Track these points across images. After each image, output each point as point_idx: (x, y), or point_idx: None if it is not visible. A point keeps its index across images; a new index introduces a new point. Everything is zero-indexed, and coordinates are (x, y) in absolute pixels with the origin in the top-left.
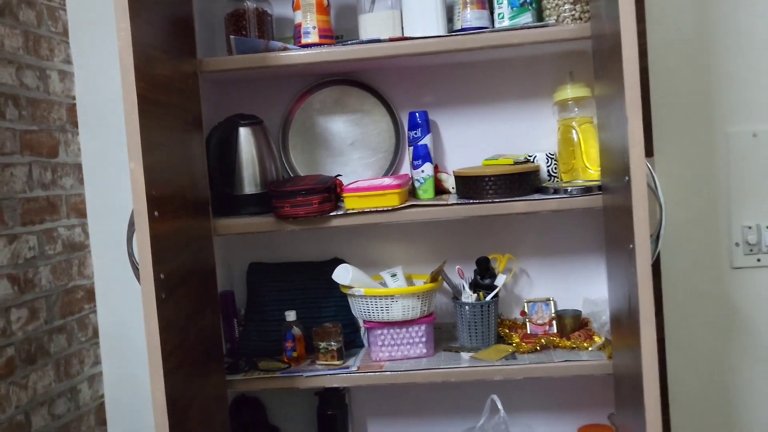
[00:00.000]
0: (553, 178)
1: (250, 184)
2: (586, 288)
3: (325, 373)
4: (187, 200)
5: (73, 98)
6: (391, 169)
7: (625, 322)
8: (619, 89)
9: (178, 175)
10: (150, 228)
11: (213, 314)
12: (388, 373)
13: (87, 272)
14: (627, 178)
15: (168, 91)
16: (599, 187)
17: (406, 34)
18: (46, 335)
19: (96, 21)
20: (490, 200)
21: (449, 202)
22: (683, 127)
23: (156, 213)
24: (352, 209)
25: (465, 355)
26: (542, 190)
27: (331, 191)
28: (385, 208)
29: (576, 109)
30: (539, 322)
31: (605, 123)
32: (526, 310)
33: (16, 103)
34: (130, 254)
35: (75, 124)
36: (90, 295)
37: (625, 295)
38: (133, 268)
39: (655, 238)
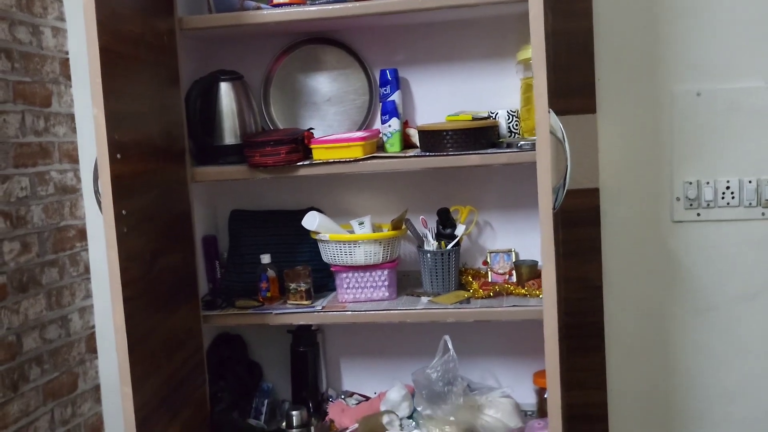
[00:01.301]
0: (513, 134)
1: (229, 136)
2: None
3: (293, 311)
4: (158, 146)
5: (66, 53)
6: (365, 123)
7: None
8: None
9: (147, 123)
10: (111, 168)
11: (186, 253)
12: (350, 312)
13: (79, 213)
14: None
15: (137, 45)
16: None
17: None
18: (38, 267)
19: None
20: (444, 153)
21: (408, 155)
22: (628, 86)
23: (118, 155)
24: (319, 160)
25: (424, 299)
26: (498, 146)
27: (299, 143)
28: (349, 159)
29: None
30: (500, 271)
31: None
32: (488, 260)
33: (9, 56)
34: (96, 192)
35: (68, 77)
36: (82, 234)
37: None
38: (98, 204)
39: (562, 186)
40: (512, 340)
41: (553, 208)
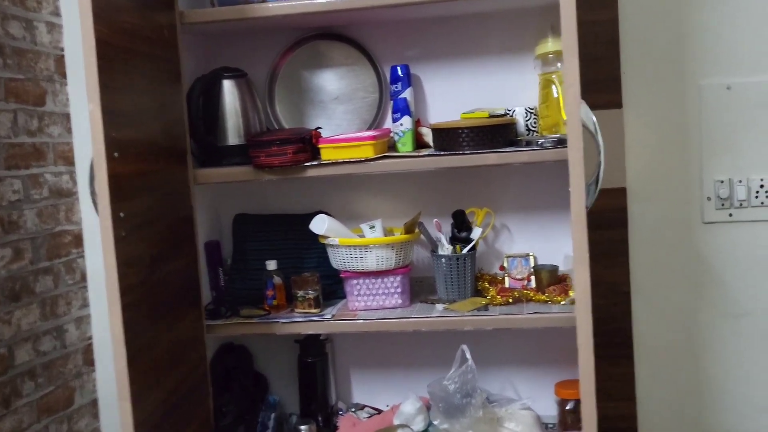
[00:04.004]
0: (531, 132)
1: (233, 136)
2: (567, 244)
3: (301, 320)
4: (159, 146)
5: (62, 50)
6: (375, 122)
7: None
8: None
9: (147, 121)
10: (108, 167)
11: (188, 259)
12: (360, 321)
13: (75, 218)
14: (564, 120)
15: (135, 39)
16: None
17: None
18: (32, 275)
19: None
20: (461, 152)
21: (422, 154)
22: (655, 79)
23: (116, 154)
24: (327, 160)
25: (439, 307)
26: (517, 143)
27: (306, 142)
28: (359, 159)
29: (558, 63)
30: (518, 276)
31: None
32: (505, 264)
33: (1, 52)
34: (92, 193)
35: (63, 75)
36: (78, 240)
37: None
38: (95, 206)
39: (594, 183)
40: (532, 349)
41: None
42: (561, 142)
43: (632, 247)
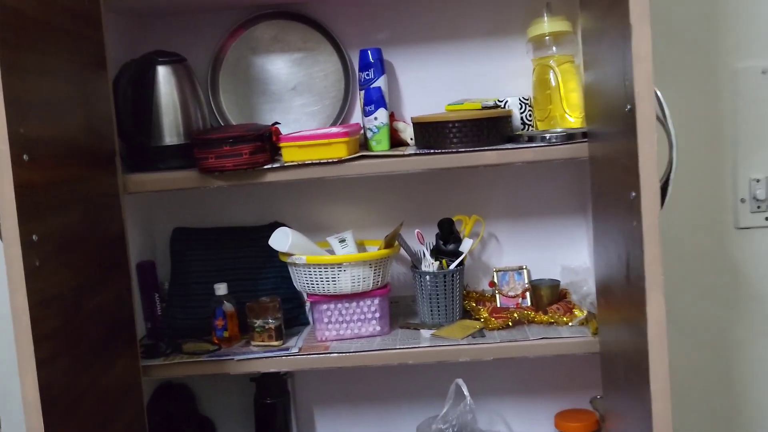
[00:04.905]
0: (527, 126)
1: (170, 134)
2: (564, 254)
3: (261, 356)
4: (81, 148)
5: None
6: (340, 118)
7: (619, 291)
8: (615, 4)
9: (66, 115)
10: (15, 174)
11: (120, 287)
12: (335, 355)
13: None
14: (629, 106)
15: (51, 7)
16: (584, 134)
17: None
18: None
19: None
20: (454, 150)
21: (406, 153)
22: (682, 63)
23: (25, 156)
24: (291, 162)
25: (425, 333)
26: (515, 139)
27: (265, 140)
28: (330, 160)
29: (554, 47)
30: (511, 293)
31: (594, 60)
32: (495, 280)
33: None
34: None
35: None
36: None
37: (622, 258)
38: None
39: (663, 185)
40: (529, 377)
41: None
42: (570, 137)
43: None
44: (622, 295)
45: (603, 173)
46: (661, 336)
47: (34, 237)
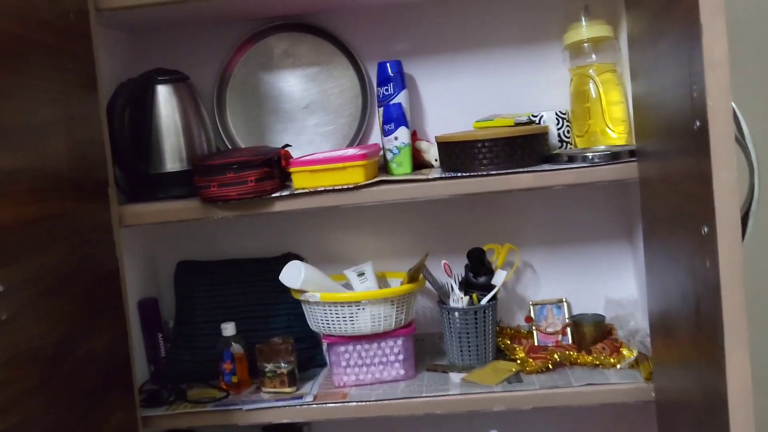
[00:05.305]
0: (565, 144)
1: (172, 160)
2: (608, 285)
3: (272, 406)
4: (65, 178)
5: None
6: (358, 138)
7: (685, 337)
8: (672, 3)
9: (44, 143)
10: None
11: (114, 331)
12: (354, 404)
13: None
14: (698, 123)
15: (30, 24)
16: (631, 153)
17: None
18: None
19: None
20: (485, 173)
21: (430, 177)
22: (764, 71)
23: None
24: (302, 189)
25: (455, 377)
26: (552, 159)
27: (273, 165)
28: (346, 186)
29: (594, 55)
30: (549, 330)
31: (645, 68)
32: (532, 315)
33: None
34: None
35: None
36: None
37: (689, 301)
38: None
39: (743, 217)
40: (573, 429)
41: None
42: (615, 156)
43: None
44: (689, 342)
45: (659, 198)
46: (744, 400)
47: (0, 287)
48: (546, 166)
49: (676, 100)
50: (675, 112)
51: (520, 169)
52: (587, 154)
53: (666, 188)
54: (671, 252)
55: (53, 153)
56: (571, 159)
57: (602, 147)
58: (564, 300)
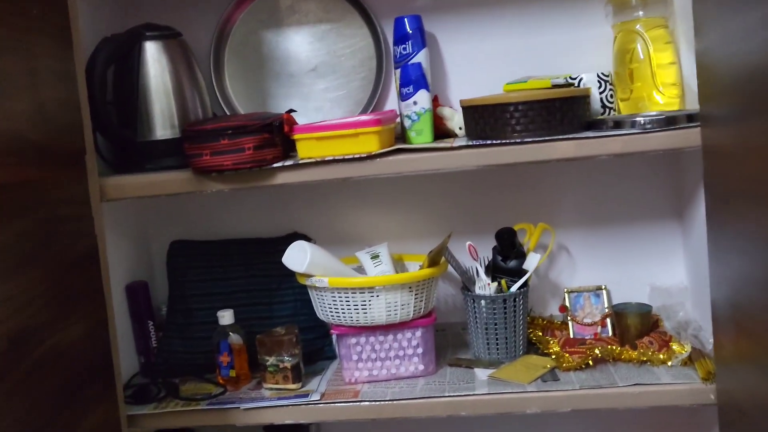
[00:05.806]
0: (608, 109)
1: (162, 126)
2: (653, 271)
3: (273, 404)
4: (28, 144)
5: None
6: (372, 104)
7: (762, 326)
8: None
9: (10, 105)
10: None
11: (92, 319)
12: (366, 404)
13: None
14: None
15: None
16: (689, 117)
17: None
18: None
19: None
20: (518, 140)
21: (454, 146)
22: None
23: None
24: (308, 158)
25: (481, 374)
26: (595, 126)
27: (274, 132)
28: (358, 155)
29: (641, 9)
30: (587, 321)
31: (714, 20)
32: (567, 303)
33: None
34: None
35: None
36: None
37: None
38: None
39: None
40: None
41: None
42: (670, 122)
43: None
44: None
45: (732, 169)
46: None
47: None
48: (589, 133)
49: (761, 46)
50: (762, 69)
51: (560, 137)
52: (638, 119)
53: (742, 157)
54: (747, 231)
55: (19, 116)
56: (618, 125)
57: (653, 112)
58: (603, 287)
